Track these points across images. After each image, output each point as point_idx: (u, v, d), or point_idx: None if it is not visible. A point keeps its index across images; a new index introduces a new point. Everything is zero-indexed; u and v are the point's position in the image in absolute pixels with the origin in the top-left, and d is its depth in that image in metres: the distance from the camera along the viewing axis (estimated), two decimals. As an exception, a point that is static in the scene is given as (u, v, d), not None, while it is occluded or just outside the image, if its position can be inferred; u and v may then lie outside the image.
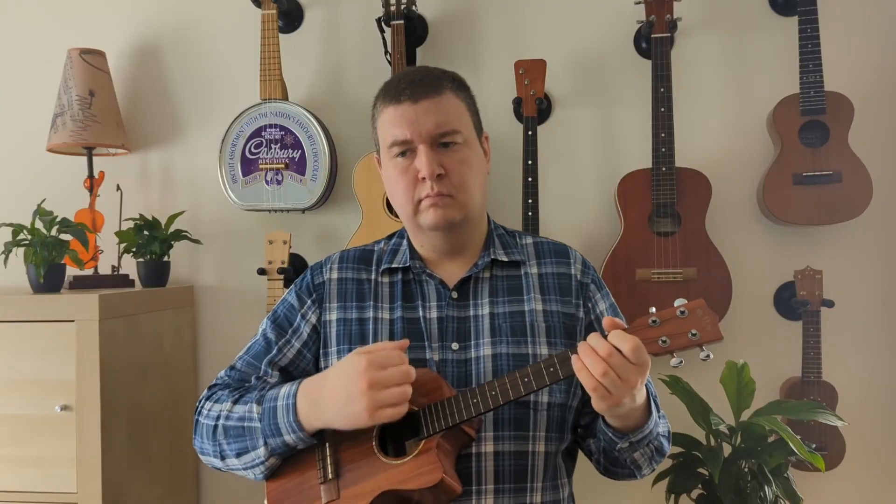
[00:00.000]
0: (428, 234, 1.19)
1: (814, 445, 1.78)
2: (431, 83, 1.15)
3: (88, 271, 2.04)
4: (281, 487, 1.13)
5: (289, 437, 1.07)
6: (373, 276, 1.24)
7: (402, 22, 1.99)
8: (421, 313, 1.19)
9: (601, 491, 2.03)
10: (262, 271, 1.97)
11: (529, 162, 1.94)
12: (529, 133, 1.95)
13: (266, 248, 1.99)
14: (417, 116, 1.13)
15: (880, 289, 1.99)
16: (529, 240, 1.29)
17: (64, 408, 1.67)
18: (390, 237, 1.31)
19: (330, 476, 1.08)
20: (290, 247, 1.99)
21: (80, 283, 1.98)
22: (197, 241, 2.13)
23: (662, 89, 1.90)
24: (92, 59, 2.07)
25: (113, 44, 2.22)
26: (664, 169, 1.89)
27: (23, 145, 2.26)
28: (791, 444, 1.58)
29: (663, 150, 1.89)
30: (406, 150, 1.15)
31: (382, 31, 2.06)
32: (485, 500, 1.10)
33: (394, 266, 1.24)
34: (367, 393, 1.00)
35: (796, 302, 1.89)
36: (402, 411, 1.02)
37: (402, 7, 1.99)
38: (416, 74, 1.18)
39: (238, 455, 1.12)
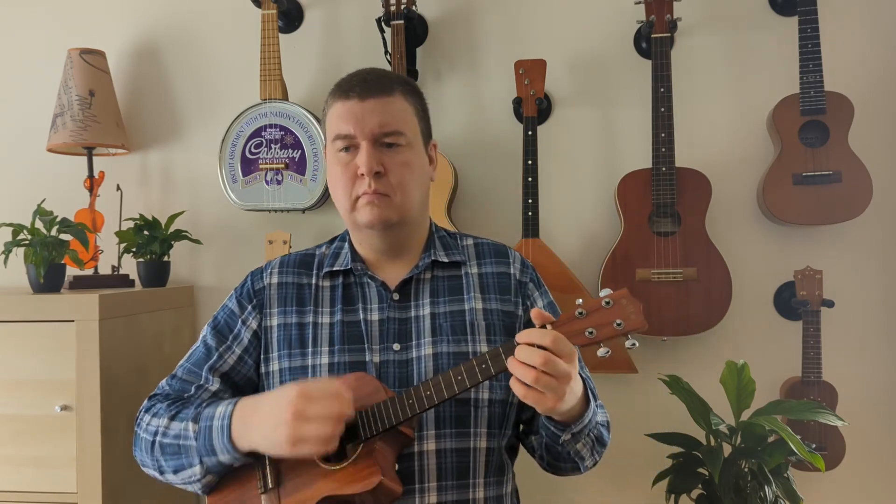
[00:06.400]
0: (364, 231, 1.20)
1: (814, 445, 1.79)
2: (382, 83, 1.17)
3: (88, 271, 2.04)
4: (222, 501, 1.13)
5: (223, 457, 1.08)
6: (313, 281, 1.24)
7: (402, 22, 1.99)
8: (362, 315, 1.20)
9: (598, 490, 2.04)
10: (262, 271, 1.97)
11: (529, 162, 1.94)
12: (529, 133, 1.95)
13: (266, 248, 1.98)
14: (363, 114, 1.14)
15: (880, 289, 1.99)
16: (470, 241, 1.30)
17: (64, 408, 1.68)
18: (332, 241, 1.31)
19: (270, 486, 1.09)
20: (290, 247, 1.99)
21: (80, 283, 1.98)
22: (197, 241, 2.13)
23: (662, 89, 1.90)
24: (92, 59, 2.07)
25: (113, 44, 2.22)
26: (664, 169, 1.89)
27: (23, 145, 2.26)
28: (791, 444, 1.58)
29: (663, 150, 1.89)
30: (349, 145, 1.16)
31: (382, 31, 2.06)
32: (428, 498, 1.11)
33: (335, 269, 1.24)
34: (290, 423, 0.99)
35: (796, 302, 1.90)
36: (326, 448, 1.00)
37: (402, 7, 2.00)
38: (369, 74, 1.19)
39: (175, 472, 1.13)
